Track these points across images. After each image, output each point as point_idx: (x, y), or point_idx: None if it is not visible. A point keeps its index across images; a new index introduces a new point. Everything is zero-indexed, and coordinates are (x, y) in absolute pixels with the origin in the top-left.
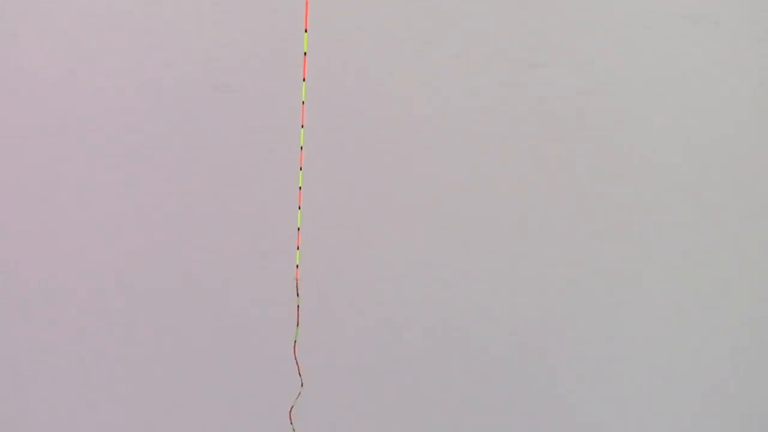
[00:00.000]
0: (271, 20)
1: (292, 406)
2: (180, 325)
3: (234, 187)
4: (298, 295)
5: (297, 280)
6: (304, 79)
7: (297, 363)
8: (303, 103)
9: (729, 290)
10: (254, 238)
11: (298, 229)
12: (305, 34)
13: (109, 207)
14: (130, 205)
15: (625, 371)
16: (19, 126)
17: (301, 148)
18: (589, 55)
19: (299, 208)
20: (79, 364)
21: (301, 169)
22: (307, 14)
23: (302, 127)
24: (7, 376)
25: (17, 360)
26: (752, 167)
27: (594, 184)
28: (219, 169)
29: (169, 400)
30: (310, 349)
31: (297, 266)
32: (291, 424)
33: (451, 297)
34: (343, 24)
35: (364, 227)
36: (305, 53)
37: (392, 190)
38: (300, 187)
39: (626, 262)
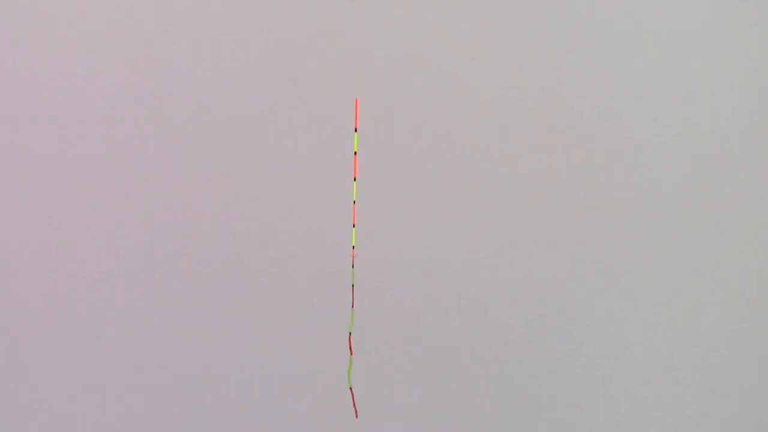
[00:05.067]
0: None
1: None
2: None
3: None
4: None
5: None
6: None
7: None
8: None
9: (731, 290)
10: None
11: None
12: (355, 134)
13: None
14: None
15: (629, 369)
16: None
17: (355, 153)
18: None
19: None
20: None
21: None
22: (356, 115)
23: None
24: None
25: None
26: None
27: (599, 179)
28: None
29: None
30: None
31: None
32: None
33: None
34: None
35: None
36: (355, 153)
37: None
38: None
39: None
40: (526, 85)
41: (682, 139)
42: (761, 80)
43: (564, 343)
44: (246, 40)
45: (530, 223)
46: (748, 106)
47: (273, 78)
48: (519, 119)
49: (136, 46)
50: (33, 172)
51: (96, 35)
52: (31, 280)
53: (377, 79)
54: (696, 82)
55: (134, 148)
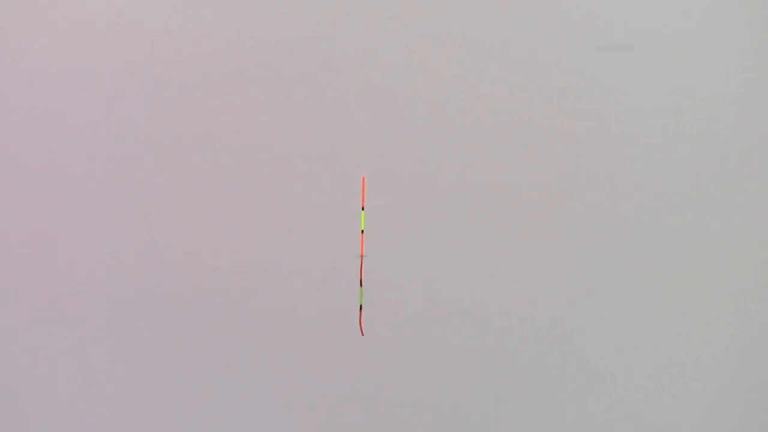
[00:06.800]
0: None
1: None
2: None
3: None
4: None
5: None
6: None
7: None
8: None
9: (731, 290)
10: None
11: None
12: (362, 212)
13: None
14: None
15: (627, 370)
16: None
17: (362, 231)
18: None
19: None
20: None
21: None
22: (363, 194)
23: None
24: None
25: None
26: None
27: (595, 181)
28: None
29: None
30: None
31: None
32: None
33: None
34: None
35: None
36: (362, 231)
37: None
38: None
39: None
40: (526, 85)
41: (681, 140)
42: (761, 80)
43: (564, 343)
44: (246, 40)
45: (530, 223)
46: (747, 106)
47: (273, 78)
48: (519, 119)
49: (136, 46)
50: (33, 171)
51: (96, 35)
52: (31, 280)
53: (378, 80)
54: (695, 82)
55: (134, 147)
